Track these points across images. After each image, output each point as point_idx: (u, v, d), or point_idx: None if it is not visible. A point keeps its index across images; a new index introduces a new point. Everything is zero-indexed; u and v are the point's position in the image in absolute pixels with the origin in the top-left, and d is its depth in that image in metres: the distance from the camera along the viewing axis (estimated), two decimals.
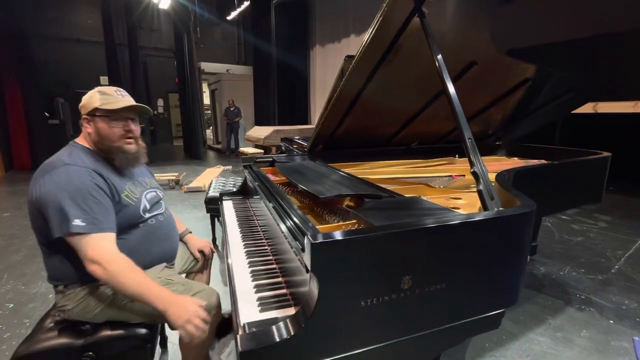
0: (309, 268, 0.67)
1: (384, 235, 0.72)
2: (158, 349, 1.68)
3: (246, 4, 9.18)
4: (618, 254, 2.75)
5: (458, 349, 1.60)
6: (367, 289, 0.72)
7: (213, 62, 11.24)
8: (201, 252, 1.55)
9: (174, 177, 5.26)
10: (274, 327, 0.68)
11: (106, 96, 1.13)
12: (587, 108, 4.78)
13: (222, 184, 3.16)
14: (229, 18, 10.22)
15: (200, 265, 1.59)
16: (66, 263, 1.06)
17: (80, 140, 1.17)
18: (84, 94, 1.16)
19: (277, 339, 0.65)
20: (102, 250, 0.99)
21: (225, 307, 1.33)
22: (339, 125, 1.89)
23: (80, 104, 1.14)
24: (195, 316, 0.98)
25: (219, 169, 6.43)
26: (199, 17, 10.00)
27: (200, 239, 1.59)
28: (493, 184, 0.98)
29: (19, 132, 6.91)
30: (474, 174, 0.96)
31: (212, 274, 1.70)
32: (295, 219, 0.91)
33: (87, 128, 1.14)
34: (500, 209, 0.92)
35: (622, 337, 1.75)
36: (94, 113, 1.12)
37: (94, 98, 1.12)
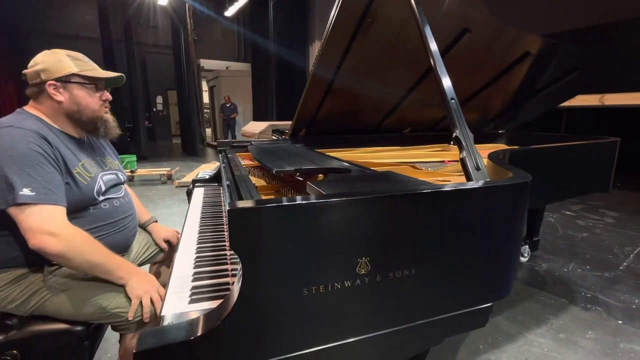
0: (228, 244, 0.51)
1: (329, 204, 0.56)
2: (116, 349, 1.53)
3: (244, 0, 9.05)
4: (626, 251, 2.56)
5: (447, 351, 1.43)
6: (310, 273, 0.57)
7: (212, 59, 11.13)
8: (167, 241, 1.42)
9: (165, 172, 5.13)
10: (180, 324, 0.52)
11: (81, 62, 1.01)
12: (593, 100, 4.59)
13: (208, 176, 3.02)
14: (228, 14, 10.09)
15: (165, 256, 1.45)
16: None
17: (29, 108, 1.03)
18: None
19: (179, 339, 0.49)
20: (55, 220, 0.87)
21: None
22: (319, 108, 1.74)
23: (39, 67, 0.97)
24: (155, 290, 0.94)
25: (214, 164, 6.30)
26: (198, 13, 9.90)
27: (166, 228, 1.46)
28: (485, 162, 0.82)
29: None
30: (456, 139, 0.80)
31: None
32: (242, 193, 0.76)
33: (57, 96, 0.99)
34: (487, 180, 0.75)
35: (632, 338, 1.58)
36: (69, 79, 0.99)
37: (65, 62, 0.98)
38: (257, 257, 0.52)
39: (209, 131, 12.40)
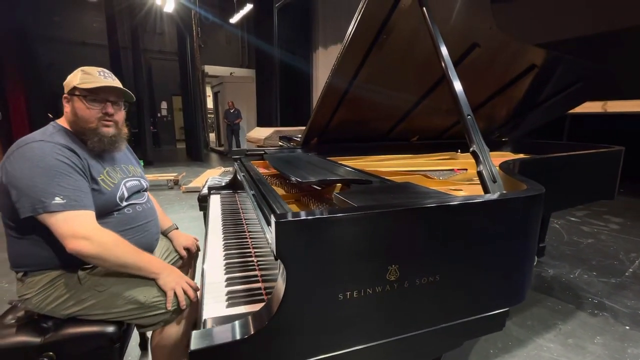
0: (274, 252, 0.56)
1: (364, 216, 0.61)
2: (137, 352, 1.58)
3: (249, 6, 9.19)
4: (632, 257, 2.59)
5: (458, 356, 1.46)
6: (345, 280, 0.62)
7: (217, 65, 11.27)
8: (187, 249, 1.47)
9: (172, 177, 5.19)
10: (231, 325, 0.57)
11: (87, 75, 1.07)
12: (596, 107, 4.64)
13: (217, 182, 3.07)
14: (232, 21, 10.24)
15: (184, 263, 1.50)
16: (33, 248, 0.99)
17: (61, 121, 1.11)
18: None
19: (232, 338, 0.55)
20: (87, 225, 0.94)
21: None
22: (332, 117, 1.80)
23: (64, 83, 1.08)
24: (184, 281, 1.03)
25: (219, 169, 6.37)
26: (203, 20, 10.05)
27: (186, 235, 1.51)
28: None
29: (22, 134, 6.87)
30: (473, 153, 0.85)
31: (196, 272, 1.60)
32: (272, 203, 0.81)
33: (65, 107, 1.08)
34: (504, 192, 0.80)
35: (639, 344, 1.61)
36: (73, 92, 1.06)
37: (76, 76, 1.06)
38: (300, 265, 0.57)
39: (212, 136, 12.50)
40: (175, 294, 1.02)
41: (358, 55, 1.38)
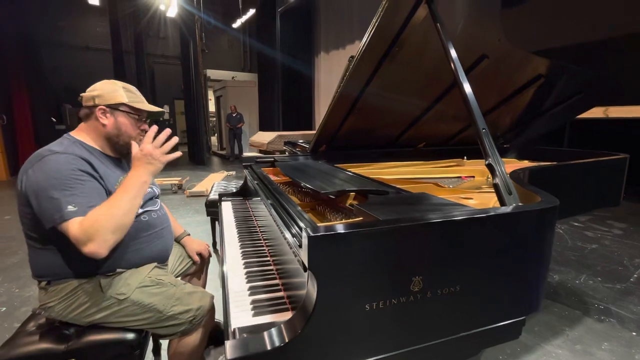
0: (306, 265, 0.59)
1: (390, 230, 0.64)
2: (150, 357, 1.59)
3: (252, 11, 9.27)
4: (636, 262, 2.61)
5: None
6: (372, 291, 0.64)
7: (219, 69, 11.34)
8: (199, 254, 1.50)
9: (176, 181, 5.22)
10: (266, 334, 0.60)
11: (132, 94, 1.14)
12: (597, 112, 4.68)
13: (223, 187, 3.10)
14: (235, 26, 10.32)
15: (197, 268, 1.53)
16: (54, 257, 1.01)
17: (76, 133, 1.13)
18: None
19: (269, 347, 0.57)
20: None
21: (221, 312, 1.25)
22: (341, 125, 1.83)
23: (95, 93, 1.09)
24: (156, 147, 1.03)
25: (222, 174, 6.39)
26: (205, 24, 10.12)
27: (198, 241, 1.54)
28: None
29: (25, 137, 6.97)
30: (489, 166, 0.88)
31: (208, 278, 1.62)
32: (294, 215, 0.84)
33: (102, 119, 1.10)
34: (520, 204, 0.83)
35: None
36: (118, 107, 1.10)
37: (119, 93, 1.10)
38: (331, 277, 0.60)
39: (213, 139, 12.55)
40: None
41: (370, 65, 1.41)
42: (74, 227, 0.90)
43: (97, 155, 1.10)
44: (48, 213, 0.92)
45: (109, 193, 1.06)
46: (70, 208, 0.92)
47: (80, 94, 1.13)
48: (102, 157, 1.12)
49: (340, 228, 0.60)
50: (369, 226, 0.62)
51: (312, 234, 0.57)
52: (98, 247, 0.89)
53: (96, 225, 0.89)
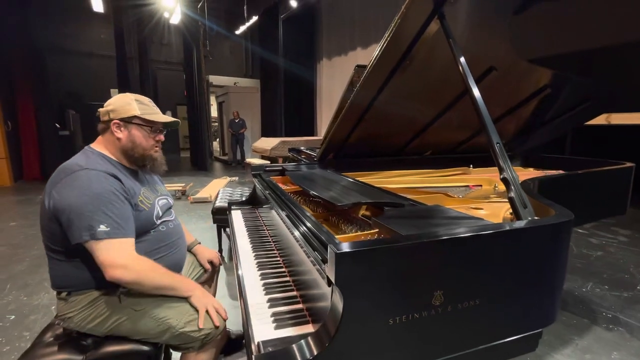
0: (333, 281, 0.60)
1: (414, 245, 0.65)
2: None
3: (255, 18, 9.36)
4: None
5: None
6: (395, 305, 0.65)
7: (221, 75, 11.42)
8: (210, 262, 1.51)
9: (180, 188, 5.24)
10: (294, 347, 0.61)
11: (145, 106, 1.15)
12: (599, 119, 4.68)
13: (229, 194, 3.12)
14: (238, 32, 10.41)
15: (208, 276, 1.54)
16: (76, 270, 1.03)
17: (96, 146, 1.15)
18: (96, 106, 1.18)
19: None
20: (125, 253, 0.98)
21: (232, 321, 1.26)
22: (350, 134, 1.85)
23: (110, 108, 1.12)
24: (217, 304, 1.10)
25: (225, 179, 6.41)
26: (208, 31, 10.22)
27: (209, 249, 1.55)
28: None
29: (29, 142, 7.00)
30: (504, 180, 0.90)
31: (217, 286, 1.64)
32: (313, 228, 0.85)
33: (117, 133, 1.12)
34: (535, 218, 0.85)
35: None
36: (131, 120, 1.12)
37: (132, 106, 1.12)
38: (357, 292, 0.61)
39: (215, 144, 12.59)
40: (208, 314, 1.06)
41: (381, 77, 1.43)
42: (105, 248, 0.94)
43: (119, 168, 1.13)
44: (77, 230, 0.94)
45: (135, 205, 1.09)
46: (102, 228, 0.94)
47: (98, 109, 1.16)
48: (124, 170, 1.15)
49: (366, 244, 0.62)
50: (394, 242, 0.64)
51: (338, 251, 0.59)
52: (128, 276, 0.96)
53: (142, 274, 0.99)
